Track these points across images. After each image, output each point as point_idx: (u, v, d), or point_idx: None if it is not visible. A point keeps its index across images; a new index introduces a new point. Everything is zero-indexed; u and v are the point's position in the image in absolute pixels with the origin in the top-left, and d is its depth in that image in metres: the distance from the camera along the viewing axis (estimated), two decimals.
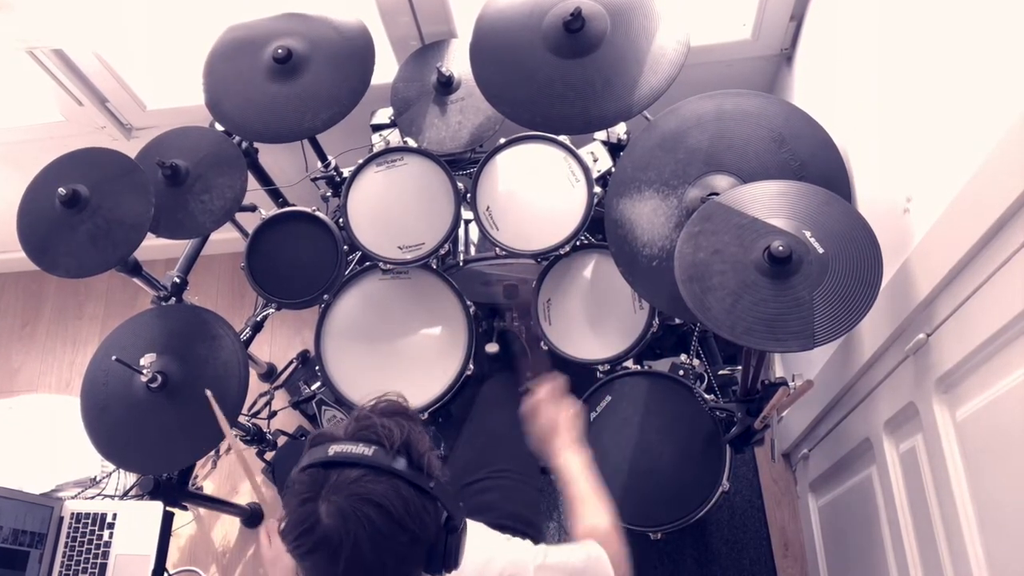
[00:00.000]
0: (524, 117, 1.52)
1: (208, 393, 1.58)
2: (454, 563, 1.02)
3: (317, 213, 1.84)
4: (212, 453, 2.42)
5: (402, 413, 1.05)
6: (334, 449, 0.97)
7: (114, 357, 1.62)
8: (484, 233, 1.78)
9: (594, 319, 1.81)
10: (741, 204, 1.29)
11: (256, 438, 2.14)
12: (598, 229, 1.70)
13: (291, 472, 1.02)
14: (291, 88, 1.68)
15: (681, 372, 1.75)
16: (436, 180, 1.82)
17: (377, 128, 2.00)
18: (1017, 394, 1.03)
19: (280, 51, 1.67)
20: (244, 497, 2.47)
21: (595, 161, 1.86)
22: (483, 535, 1.21)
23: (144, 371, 1.64)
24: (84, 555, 1.81)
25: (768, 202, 1.28)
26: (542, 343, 1.79)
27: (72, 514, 1.86)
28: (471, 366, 1.82)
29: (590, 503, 1.32)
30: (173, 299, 1.92)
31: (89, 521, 1.85)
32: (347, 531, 0.93)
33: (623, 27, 1.49)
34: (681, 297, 1.24)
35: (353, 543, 0.93)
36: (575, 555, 1.20)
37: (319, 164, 2.02)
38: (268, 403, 2.30)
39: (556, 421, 1.45)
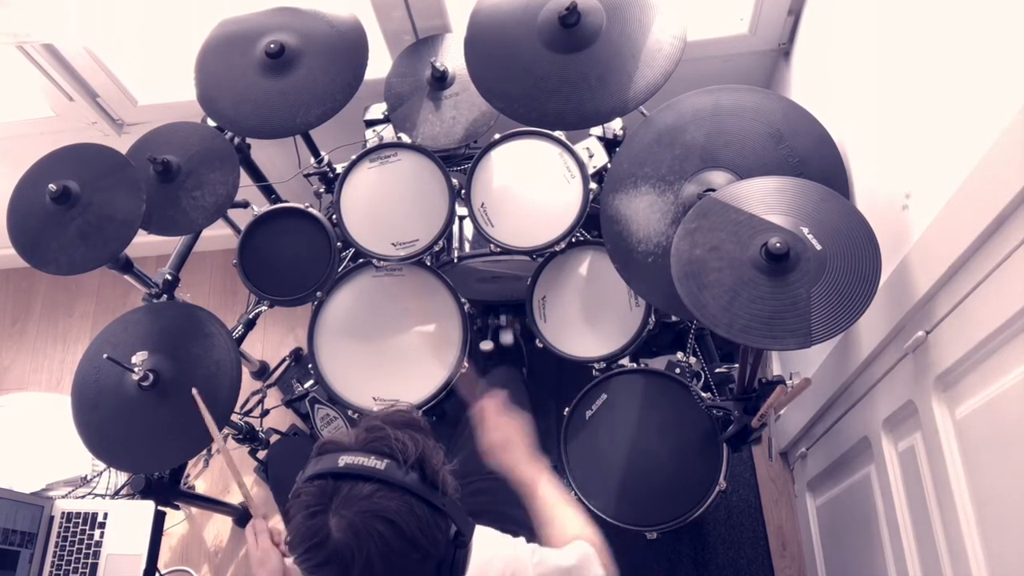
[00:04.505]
0: (519, 112, 1.51)
1: (195, 392, 1.54)
2: (461, 575, 1.02)
3: (310, 209, 1.83)
4: (204, 452, 2.39)
5: (414, 425, 1.04)
6: (345, 460, 0.95)
7: (105, 355, 1.61)
8: (479, 230, 1.77)
9: (590, 316, 1.80)
10: (738, 200, 1.27)
11: (248, 437, 2.13)
12: (594, 225, 1.69)
13: (296, 479, 1.00)
14: (284, 83, 1.67)
15: (678, 370, 1.74)
16: (430, 176, 1.81)
17: (370, 124, 1.98)
18: (1017, 392, 1.02)
19: (272, 46, 1.66)
20: (236, 496, 2.45)
21: (591, 157, 1.85)
22: (482, 534, 1.21)
23: (135, 369, 1.62)
24: (75, 555, 1.80)
25: (765, 198, 1.27)
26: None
27: (63, 513, 1.85)
28: (466, 364, 1.81)
29: (560, 516, 1.29)
30: (165, 296, 1.91)
31: (80, 520, 1.83)
32: (359, 547, 0.91)
33: (619, 22, 1.48)
34: (677, 294, 1.23)
35: (365, 560, 0.91)
36: (567, 554, 1.20)
37: (312, 160, 2.01)
38: (261, 401, 2.29)
39: (508, 433, 1.39)
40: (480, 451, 1.39)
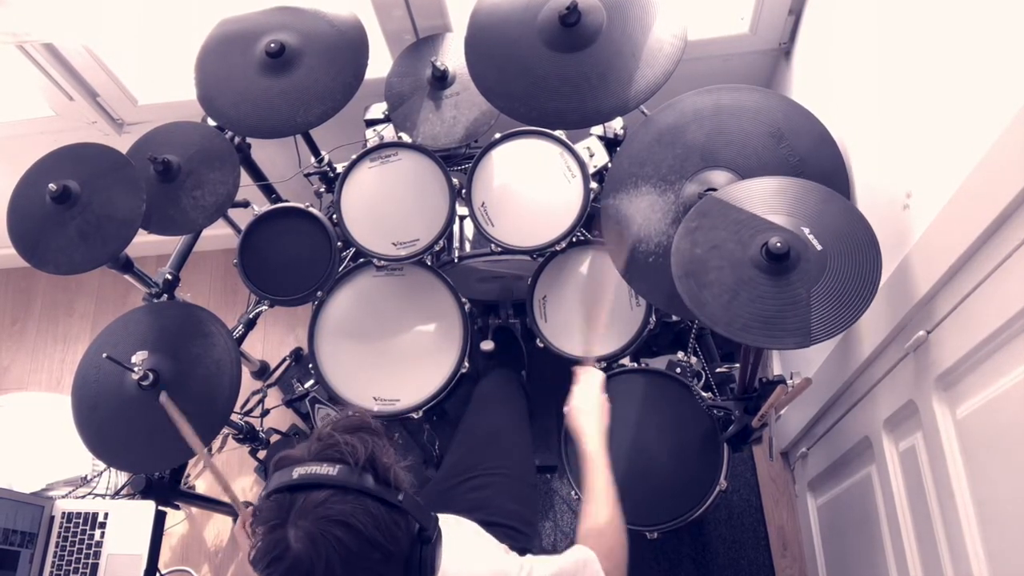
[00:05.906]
0: (519, 112, 1.50)
1: (164, 398, 1.48)
2: (431, 573, 1.02)
3: (310, 209, 1.83)
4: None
5: (365, 428, 1.04)
6: (298, 472, 0.96)
7: (105, 355, 1.60)
8: (479, 229, 1.76)
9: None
10: (739, 200, 1.27)
11: (249, 436, 2.12)
12: (594, 225, 1.69)
13: (257, 497, 1.01)
14: (284, 83, 1.66)
15: (678, 370, 1.74)
16: (431, 176, 1.81)
17: (371, 123, 1.98)
18: (1018, 392, 1.02)
19: (273, 45, 1.66)
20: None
21: (591, 156, 1.84)
22: (470, 544, 1.20)
23: (135, 369, 1.62)
24: (75, 555, 1.80)
25: (766, 198, 1.27)
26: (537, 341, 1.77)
27: (63, 513, 1.85)
28: (466, 364, 1.80)
29: (600, 497, 1.33)
30: (165, 296, 1.91)
31: (80, 520, 1.83)
32: (318, 555, 0.92)
33: (619, 21, 1.48)
34: (678, 294, 1.22)
35: (325, 566, 0.92)
36: (560, 565, 1.18)
37: (312, 159, 2.00)
38: (261, 401, 2.28)
39: (598, 409, 1.45)
40: (568, 404, 1.48)
